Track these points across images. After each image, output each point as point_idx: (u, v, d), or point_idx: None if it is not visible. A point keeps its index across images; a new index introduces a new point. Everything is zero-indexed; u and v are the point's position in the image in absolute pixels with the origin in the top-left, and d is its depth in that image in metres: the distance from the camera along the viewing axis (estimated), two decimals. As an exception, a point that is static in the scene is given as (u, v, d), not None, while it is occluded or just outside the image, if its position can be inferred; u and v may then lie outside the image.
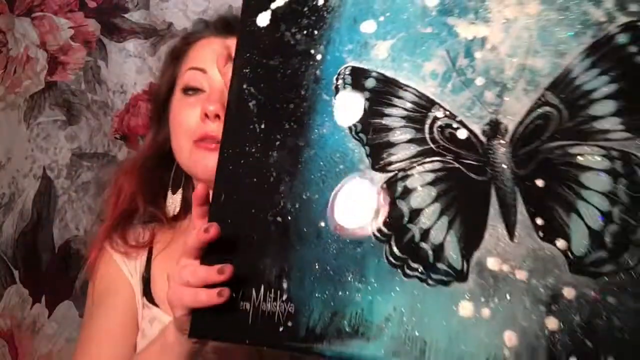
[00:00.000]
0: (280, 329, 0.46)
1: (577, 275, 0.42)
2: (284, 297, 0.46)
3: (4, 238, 1.08)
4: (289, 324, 0.45)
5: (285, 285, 0.46)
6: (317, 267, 0.46)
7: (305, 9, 0.51)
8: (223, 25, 0.73)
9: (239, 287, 0.47)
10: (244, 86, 0.51)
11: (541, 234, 0.43)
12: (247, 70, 0.51)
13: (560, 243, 0.43)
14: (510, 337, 0.42)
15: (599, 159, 0.43)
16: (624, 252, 0.41)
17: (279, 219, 0.48)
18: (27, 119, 1.08)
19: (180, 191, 0.73)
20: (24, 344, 1.04)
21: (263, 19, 0.52)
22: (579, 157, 0.44)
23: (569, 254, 0.42)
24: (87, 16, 1.08)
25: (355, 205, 0.46)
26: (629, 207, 0.42)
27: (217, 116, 0.65)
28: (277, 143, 0.49)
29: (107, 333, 0.66)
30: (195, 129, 0.67)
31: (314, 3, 0.51)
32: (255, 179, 0.49)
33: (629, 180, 0.42)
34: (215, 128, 0.65)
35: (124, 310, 0.68)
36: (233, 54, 0.57)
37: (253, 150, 0.49)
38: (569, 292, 0.42)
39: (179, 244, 0.68)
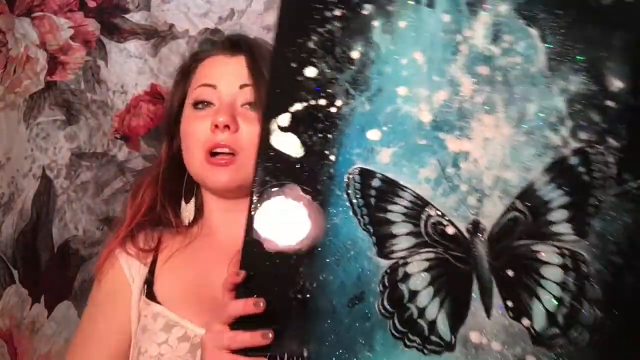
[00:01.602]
0: (301, 391, 0.54)
1: (537, 346, 0.53)
2: None
3: (3, 238, 1.06)
4: (309, 385, 0.54)
5: (305, 353, 0.55)
6: (332, 337, 0.55)
7: (320, 114, 0.59)
8: (231, 44, 0.78)
9: (267, 355, 0.55)
10: (267, 178, 0.58)
11: (511, 313, 0.54)
12: (269, 164, 0.59)
13: (525, 321, 0.54)
14: None
15: (554, 255, 0.55)
16: (571, 329, 0.53)
17: (299, 296, 0.56)
18: (27, 119, 1.07)
19: (192, 200, 0.79)
20: (23, 344, 1.02)
21: (283, 120, 0.59)
22: (539, 253, 0.55)
23: (532, 330, 0.54)
24: (87, 16, 1.07)
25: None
26: (575, 294, 0.54)
27: (227, 127, 0.71)
28: (297, 230, 0.57)
29: (102, 336, 0.72)
30: (206, 140, 0.72)
31: (328, 110, 0.59)
32: (278, 261, 0.57)
33: (576, 273, 0.54)
34: (225, 138, 0.71)
35: (121, 315, 0.72)
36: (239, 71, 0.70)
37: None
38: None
39: (191, 249, 0.76)
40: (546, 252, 0.56)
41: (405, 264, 0.58)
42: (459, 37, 0.61)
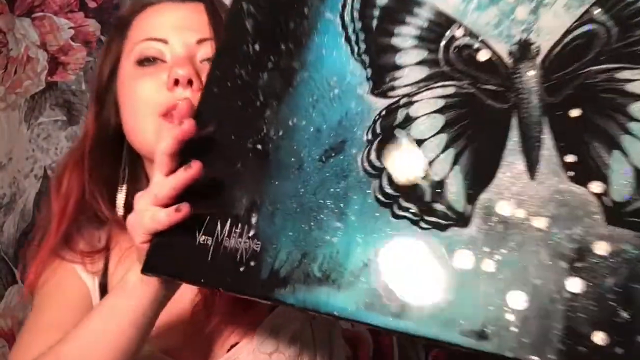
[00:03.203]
0: (241, 268, 0.39)
1: (615, 227, 0.32)
2: (251, 233, 0.39)
3: (5, 238, 1.09)
4: (252, 263, 0.38)
5: (254, 220, 0.39)
6: (292, 202, 0.39)
7: None
8: None
9: (202, 219, 0.40)
10: (243, 4, 0.45)
11: (571, 173, 0.34)
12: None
13: (596, 186, 0.33)
14: (516, 298, 0.32)
15: (655, 85, 0.33)
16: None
17: (259, 146, 0.41)
18: (28, 119, 1.09)
19: (124, 186, 0.63)
20: (25, 344, 1.08)
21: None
22: (628, 83, 0.34)
23: (606, 199, 0.32)
24: (87, 16, 1.08)
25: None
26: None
27: (190, 82, 0.56)
28: (270, 65, 0.43)
29: (58, 325, 0.56)
30: (162, 100, 0.57)
31: None
32: (239, 102, 0.43)
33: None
34: (187, 96, 0.55)
35: (78, 303, 0.60)
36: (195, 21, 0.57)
37: (242, 72, 0.44)
38: (601, 247, 0.32)
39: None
40: (641, 80, 0.35)
41: (409, 103, 0.40)
42: None
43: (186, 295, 0.54)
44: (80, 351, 0.47)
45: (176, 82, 0.56)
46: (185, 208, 0.42)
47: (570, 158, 0.36)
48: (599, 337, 0.32)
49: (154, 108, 0.57)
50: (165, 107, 0.57)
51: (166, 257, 0.44)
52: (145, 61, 0.60)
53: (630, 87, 0.36)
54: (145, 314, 0.48)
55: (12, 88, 1.11)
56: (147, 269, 0.45)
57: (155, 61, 0.59)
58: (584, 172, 0.35)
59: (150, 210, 0.43)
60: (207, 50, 0.59)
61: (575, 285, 0.33)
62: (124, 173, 0.63)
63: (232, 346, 0.58)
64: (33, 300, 0.61)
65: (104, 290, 0.61)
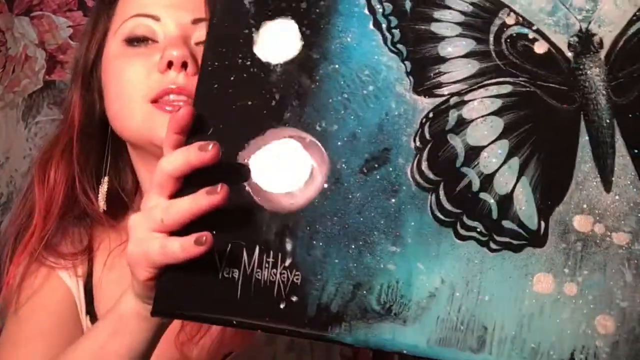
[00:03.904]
0: (282, 305, 0.34)
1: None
2: (287, 262, 0.34)
3: (2, 237, 1.04)
4: (294, 298, 0.34)
5: (288, 247, 0.34)
6: (333, 222, 0.35)
7: None
8: None
9: (222, 247, 0.34)
10: None
11: (649, 183, 0.32)
12: None
13: None
14: (604, 323, 0.31)
15: None
16: None
17: None
18: (26, 118, 1.12)
19: (106, 179, 0.58)
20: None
21: None
22: None
23: (688, 211, 0.31)
24: (86, 15, 1.09)
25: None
26: None
27: (184, 64, 0.51)
28: (283, 54, 0.36)
29: (42, 337, 0.53)
30: (152, 84, 0.52)
31: None
32: (249, 102, 0.36)
33: None
34: (181, 81, 0.51)
35: (64, 314, 0.55)
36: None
37: (248, 63, 0.37)
38: (687, 264, 0.30)
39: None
40: None
41: (461, 103, 0.36)
42: None
43: None
44: None
45: (169, 64, 0.51)
46: (208, 239, 0.35)
47: (646, 166, 0.34)
48: (691, 358, 0.32)
49: (143, 92, 0.52)
50: (155, 92, 0.52)
51: (183, 296, 0.38)
52: (134, 40, 0.54)
53: None
54: (141, 350, 0.42)
55: (10, 87, 1.12)
56: (160, 312, 0.38)
57: (146, 41, 0.54)
58: (662, 182, 0.34)
59: (158, 240, 0.36)
60: (203, 31, 0.53)
61: (663, 305, 0.33)
62: (106, 163, 0.58)
63: (226, 356, 0.54)
64: (15, 307, 0.56)
65: (89, 294, 0.57)
